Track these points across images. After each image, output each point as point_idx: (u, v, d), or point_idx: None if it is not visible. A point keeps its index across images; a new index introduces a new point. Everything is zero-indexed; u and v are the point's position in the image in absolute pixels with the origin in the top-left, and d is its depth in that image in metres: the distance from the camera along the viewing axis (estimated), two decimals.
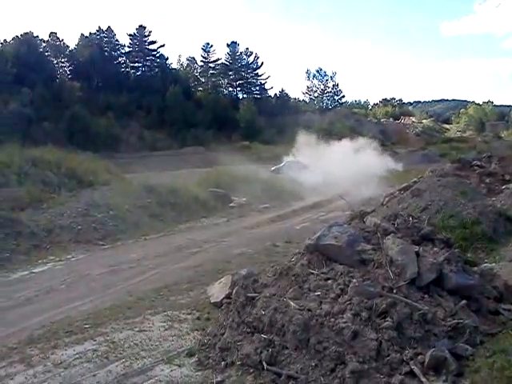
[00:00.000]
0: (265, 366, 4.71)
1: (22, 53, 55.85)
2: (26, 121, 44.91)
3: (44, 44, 64.01)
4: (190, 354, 5.43)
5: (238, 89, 79.83)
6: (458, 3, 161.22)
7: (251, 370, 4.79)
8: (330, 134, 53.40)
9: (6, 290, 8.41)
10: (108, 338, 5.93)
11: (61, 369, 5.18)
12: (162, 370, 5.15)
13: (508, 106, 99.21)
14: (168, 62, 74.87)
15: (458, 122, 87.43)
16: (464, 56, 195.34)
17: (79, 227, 12.77)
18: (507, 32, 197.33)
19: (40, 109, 48.81)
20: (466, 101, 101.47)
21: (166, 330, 6.16)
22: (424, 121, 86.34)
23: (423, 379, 4.27)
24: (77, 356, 5.47)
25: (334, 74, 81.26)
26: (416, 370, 4.35)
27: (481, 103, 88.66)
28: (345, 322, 4.88)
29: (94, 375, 5.03)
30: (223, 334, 5.55)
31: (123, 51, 72.30)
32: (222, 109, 63.67)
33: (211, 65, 77.44)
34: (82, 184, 16.71)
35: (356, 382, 4.32)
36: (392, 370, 4.42)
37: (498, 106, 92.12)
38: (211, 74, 77.33)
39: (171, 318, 6.56)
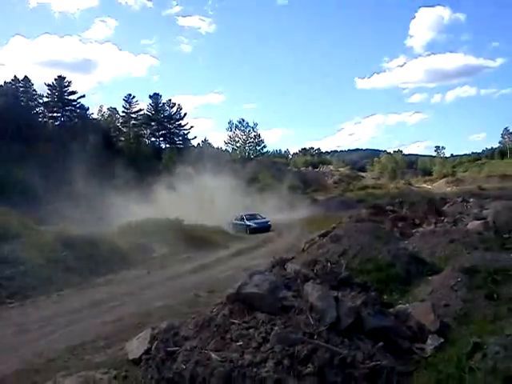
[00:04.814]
0: None
1: None
2: None
3: None
4: None
5: (161, 139, 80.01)
6: (368, 62, 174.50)
7: None
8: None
9: None
10: None
11: None
12: None
13: (415, 155, 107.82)
14: (89, 112, 73.90)
15: (373, 170, 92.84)
16: (375, 109, 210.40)
17: None
18: (412, 88, 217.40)
19: None
20: (378, 150, 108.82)
21: None
22: (341, 169, 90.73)
23: None
24: None
25: (256, 124, 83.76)
26: None
27: (392, 152, 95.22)
28: (267, 372, 4.83)
29: None
30: None
31: (41, 101, 70.48)
32: (144, 158, 63.06)
33: (133, 115, 77.37)
34: None
35: None
36: None
37: (406, 155, 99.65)
38: (133, 124, 77.08)
39: (86, 379, 6.06)
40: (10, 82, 67.30)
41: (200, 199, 36.28)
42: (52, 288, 12.76)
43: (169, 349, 5.65)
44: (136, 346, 6.67)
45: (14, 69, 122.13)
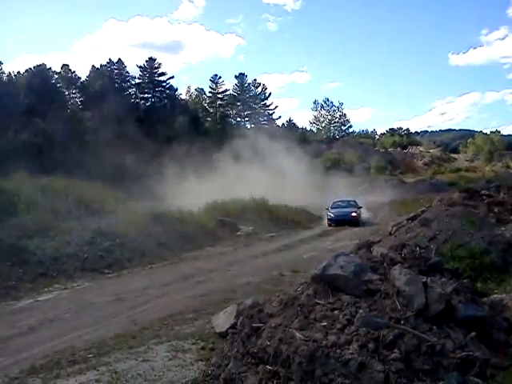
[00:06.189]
0: None
1: (34, 84, 57.22)
2: (37, 150, 45.59)
3: (56, 76, 65.65)
4: None
5: (246, 119, 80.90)
6: (464, 35, 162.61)
7: None
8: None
9: (10, 318, 8.40)
10: (111, 367, 5.83)
11: None
12: None
13: None
14: (177, 92, 76.26)
15: (466, 152, 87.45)
16: (471, 86, 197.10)
17: (85, 255, 12.82)
18: None
19: (51, 138, 49.56)
20: (473, 131, 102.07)
21: (169, 360, 6.04)
22: (432, 150, 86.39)
23: None
24: None
25: (341, 104, 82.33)
26: None
27: (488, 133, 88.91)
28: (351, 354, 4.77)
29: None
30: (228, 364, 5.45)
31: (133, 82, 73.92)
32: (229, 139, 64.14)
33: (219, 96, 78.77)
34: (89, 212, 16.80)
35: None
36: None
37: (505, 135, 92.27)
38: (219, 104, 78.53)
39: (175, 347, 6.45)
40: (105, 65, 71.32)
41: (280, 179, 36.48)
42: (145, 261, 13.65)
43: (254, 325, 5.75)
44: (223, 320, 6.92)
45: (109, 51, 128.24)
